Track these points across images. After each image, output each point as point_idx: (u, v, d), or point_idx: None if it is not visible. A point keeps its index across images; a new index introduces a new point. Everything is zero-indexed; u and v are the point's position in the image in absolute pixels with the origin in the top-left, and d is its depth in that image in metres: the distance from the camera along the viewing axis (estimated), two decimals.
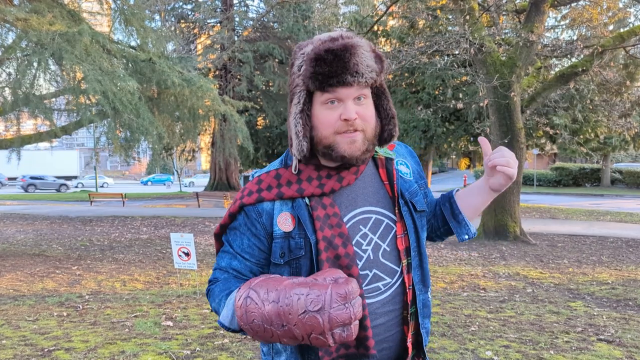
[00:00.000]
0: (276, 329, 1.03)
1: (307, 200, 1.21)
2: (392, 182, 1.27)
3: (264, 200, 1.21)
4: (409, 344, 1.25)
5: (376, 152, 1.30)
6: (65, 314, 4.99)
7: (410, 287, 1.25)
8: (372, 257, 1.22)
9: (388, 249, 1.24)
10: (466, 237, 1.40)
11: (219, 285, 1.22)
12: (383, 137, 1.25)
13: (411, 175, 1.34)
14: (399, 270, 1.24)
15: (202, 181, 42.79)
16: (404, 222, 1.25)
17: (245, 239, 1.23)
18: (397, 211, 1.25)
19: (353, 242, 1.20)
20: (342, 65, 1.12)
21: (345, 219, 1.22)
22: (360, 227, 1.22)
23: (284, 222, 1.20)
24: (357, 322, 1.03)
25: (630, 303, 5.36)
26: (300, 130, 1.17)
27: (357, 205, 1.24)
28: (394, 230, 1.25)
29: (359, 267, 1.20)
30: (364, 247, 1.21)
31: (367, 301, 1.19)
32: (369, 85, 1.17)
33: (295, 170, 1.22)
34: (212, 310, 1.23)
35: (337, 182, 1.21)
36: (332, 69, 1.12)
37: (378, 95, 1.24)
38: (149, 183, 50.71)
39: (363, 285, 1.19)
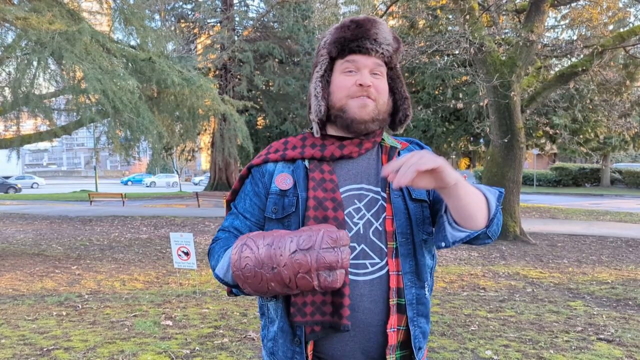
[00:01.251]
0: (266, 272, 1.08)
1: (306, 163, 1.26)
2: None
3: (269, 161, 1.30)
4: (389, 332, 1.19)
5: (383, 140, 1.33)
6: (64, 313, 4.99)
7: (396, 273, 1.20)
8: (361, 232, 1.22)
9: (380, 229, 1.23)
10: (442, 244, 1.25)
11: (219, 244, 1.27)
12: (398, 118, 1.32)
13: None
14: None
15: (166, 180, 42.26)
16: (392, 205, 1.24)
17: (248, 199, 1.30)
18: (387, 192, 1.26)
19: (345, 212, 1.22)
20: (362, 31, 1.23)
21: (341, 190, 1.24)
22: (355, 200, 1.24)
23: (282, 182, 1.26)
24: (343, 270, 1.06)
25: (630, 302, 5.36)
26: (320, 92, 1.26)
27: (357, 181, 1.27)
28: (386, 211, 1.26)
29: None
30: (355, 220, 1.23)
31: (353, 278, 1.18)
32: (385, 59, 1.25)
33: (317, 134, 1.29)
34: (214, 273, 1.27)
35: (338, 149, 1.26)
36: (353, 33, 1.23)
37: (393, 78, 1.32)
38: (129, 183, 50.18)
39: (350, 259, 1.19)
